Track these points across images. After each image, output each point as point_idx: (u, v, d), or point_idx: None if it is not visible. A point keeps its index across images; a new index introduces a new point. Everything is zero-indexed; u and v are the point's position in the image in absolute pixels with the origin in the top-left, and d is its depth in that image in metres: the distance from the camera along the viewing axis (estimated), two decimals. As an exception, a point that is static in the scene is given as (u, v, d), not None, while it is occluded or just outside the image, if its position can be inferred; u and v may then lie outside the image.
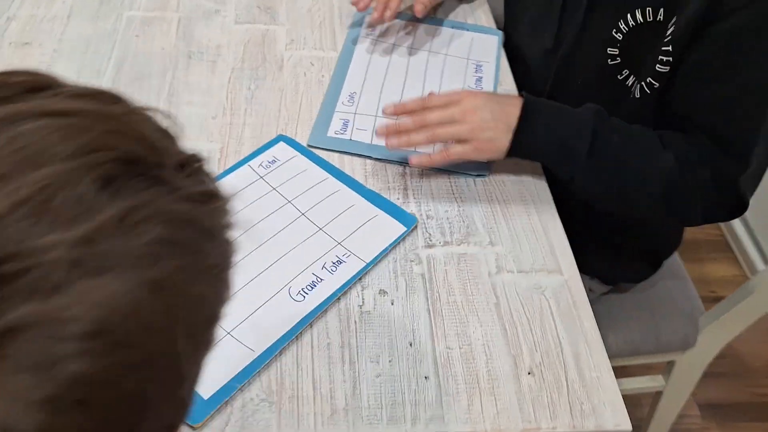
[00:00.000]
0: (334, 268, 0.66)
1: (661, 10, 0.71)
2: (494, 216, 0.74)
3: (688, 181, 0.69)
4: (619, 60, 0.77)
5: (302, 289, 0.64)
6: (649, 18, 0.72)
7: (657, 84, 0.73)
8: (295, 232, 0.69)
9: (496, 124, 0.69)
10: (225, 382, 0.56)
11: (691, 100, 0.71)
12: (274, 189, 0.73)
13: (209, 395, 0.55)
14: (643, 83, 0.74)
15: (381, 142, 0.77)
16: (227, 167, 0.75)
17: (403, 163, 0.78)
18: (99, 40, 0.89)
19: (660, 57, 0.71)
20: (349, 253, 0.68)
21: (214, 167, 0.75)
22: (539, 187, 0.78)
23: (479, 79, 0.89)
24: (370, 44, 0.93)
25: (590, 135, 0.69)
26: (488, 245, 0.72)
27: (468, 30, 0.96)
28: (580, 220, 0.76)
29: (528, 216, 0.75)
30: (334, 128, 0.81)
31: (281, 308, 0.63)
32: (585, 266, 0.72)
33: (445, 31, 0.96)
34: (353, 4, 0.89)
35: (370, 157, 0.79)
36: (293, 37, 0.94)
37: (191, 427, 0.54)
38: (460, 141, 0.71)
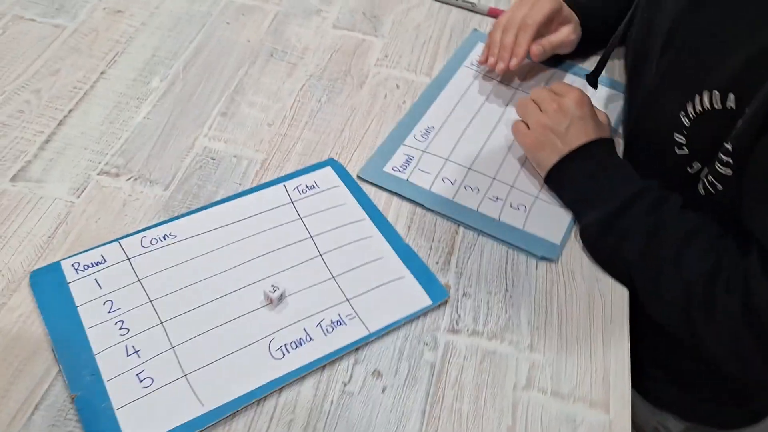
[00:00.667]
0: (330, 329, 0.57)
1: (732, 96, 0.54)
2: (546, 313, 0.61)
3: (716, 304, 0.52)
4: (686, 150, 0.61)
5: (285, 345, 0.56)
6: (717, 105, 0.55)
7: (720, 186, 0.56)
8: (303, 274, 0.60)
9: (563, 138, 0.66)
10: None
11: (750, 212, 0.54)
12: (300, 219, 0.65)
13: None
14: (706, 181, 0.59)
15: (442, 191, 0.68)
16: (262, 182, 0.68)
17: (458, 222, 0.67)
18: (189, 20, 0.86)
19: (720, 155, 0.56)
20: (354, 314, 0.58)
21: (248, 178, 0.68)
22: (618, 293, 0.63)
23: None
24: (470, 77, 0.83)
25: (619, 203, 0.62)
26: (526, 348, 0.58)
27: (579, 76, 0.82)
28: (649, 340, 0.60)
29: (590, 324, 0.61)
30: (393, 163, 0.72)
31: (253, 362, 0.54)
32: (656, 398, 0.56)
33: (559, 78, 0.83)
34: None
35: (422, 206, 0.68)
36: (388, 52, 0.85)
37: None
38: (527, 125, 0.70)
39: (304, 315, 0.58)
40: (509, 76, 0.82)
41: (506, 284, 0.63)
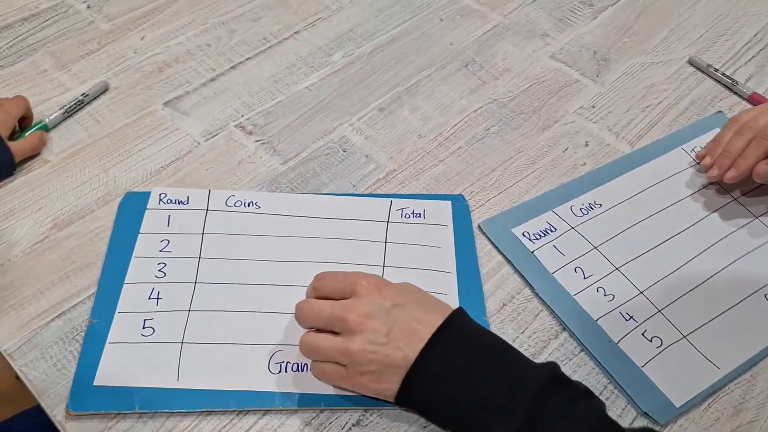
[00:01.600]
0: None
1: None
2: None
3: None
4: None
5: (288, 362, 0.51)
6: None
7: None
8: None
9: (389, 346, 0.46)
10: (122, 385, 0.49)
11: None
12: (384, 242, 0.59)
13: (99, 384, 0.49)
14: None
15: (566, 282, 0.58)
16: (377, 191, 0.63)
17: (565, 326, 0.55)
18: (406, 5, 0.83)
19: None
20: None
21: (365, 183, 0.64)
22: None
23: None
24: (682, 164, 0.69)
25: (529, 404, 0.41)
26: None
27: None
28: None
29: None
30: (527, 227, 0.62)
31: (248, 364, 0.51)
32: None
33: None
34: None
35: (532, 288, 0.57)
36: (598, 103, 0.74)
37: (68, 412, 0.48)
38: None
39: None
40: (731, 184, 0.65)
41: None
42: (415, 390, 0.44)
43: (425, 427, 0.49)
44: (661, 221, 0.63)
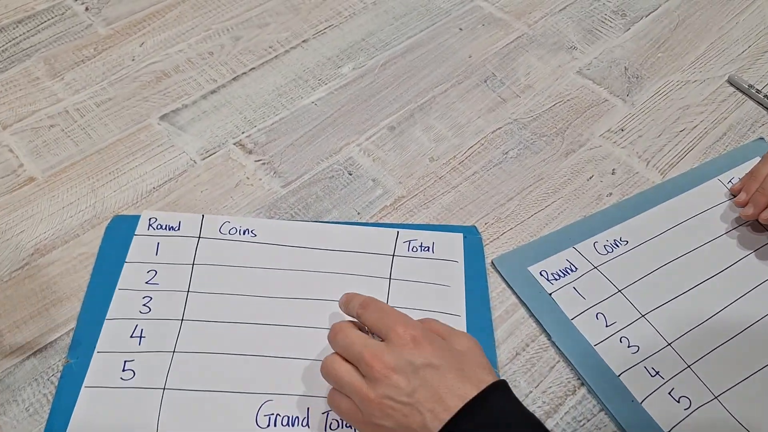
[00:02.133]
0: (335, 425, 0.47)
1: None
2: None
3: None
4: None
5: (278, 415, 0.47)
6: None
7: None
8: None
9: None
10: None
11: None
12: (389, 279, 0.55)
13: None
14: None
15: (587, 329, 0.54)
16: (382, 221, 0.59)
17: (584, 381, 0.51)
18: (423, 13, 0.79)
19: None
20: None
21: (371, 210, 0.60)
22: None
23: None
24: (719, 197, 0.64)
25: None
26: None
27: None
28: None
29: None
30: (546, 266, 0.58)
31: (237, 414, 0.48)
32: None
33: None
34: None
35: (549, 337, 0.53)
36: (627, 126, 0.69)
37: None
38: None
39: (314, 392, 0.48)
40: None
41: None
42: None
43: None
44: (693, 262, 0.58)
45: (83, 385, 0.48)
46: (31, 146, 0.63)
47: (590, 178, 0.64)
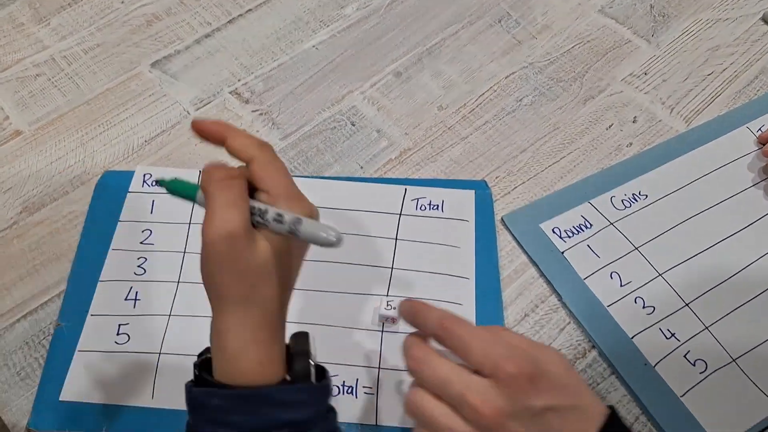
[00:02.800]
0: (349, 390, 0.46)
1: None
2: None
3: None
4: None
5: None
6: None
7: None
8: (348, 310, 0.49)
9: None
10: (90, 401, 0.45)
11: None
12: (395, 239, 0.53)
13: (65, 399, 0.45)
14: None
15: (600, 290, 0.52)
16: (387, 176, 0.57)
17: (595, 344, 0.50)
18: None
19: None
20: (374, 392, 0.46)
21: (375, 164, 0.58)
22: None
23: None
24: (748, 146, 0.61)
25: None
26: None
27: None
28: None
29: None
30: (558, 223, 0.56)
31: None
32: None
33: None
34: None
35: (560, 298, 0.51)
36: (651, 69, 0.65)
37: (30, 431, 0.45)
38: None
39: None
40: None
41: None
42: None
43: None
44: (716, 217, 0.56)
45: (76, 349, 0.47)
46: (16, 97, 0.61)
47: (609, 126, 0.61)
